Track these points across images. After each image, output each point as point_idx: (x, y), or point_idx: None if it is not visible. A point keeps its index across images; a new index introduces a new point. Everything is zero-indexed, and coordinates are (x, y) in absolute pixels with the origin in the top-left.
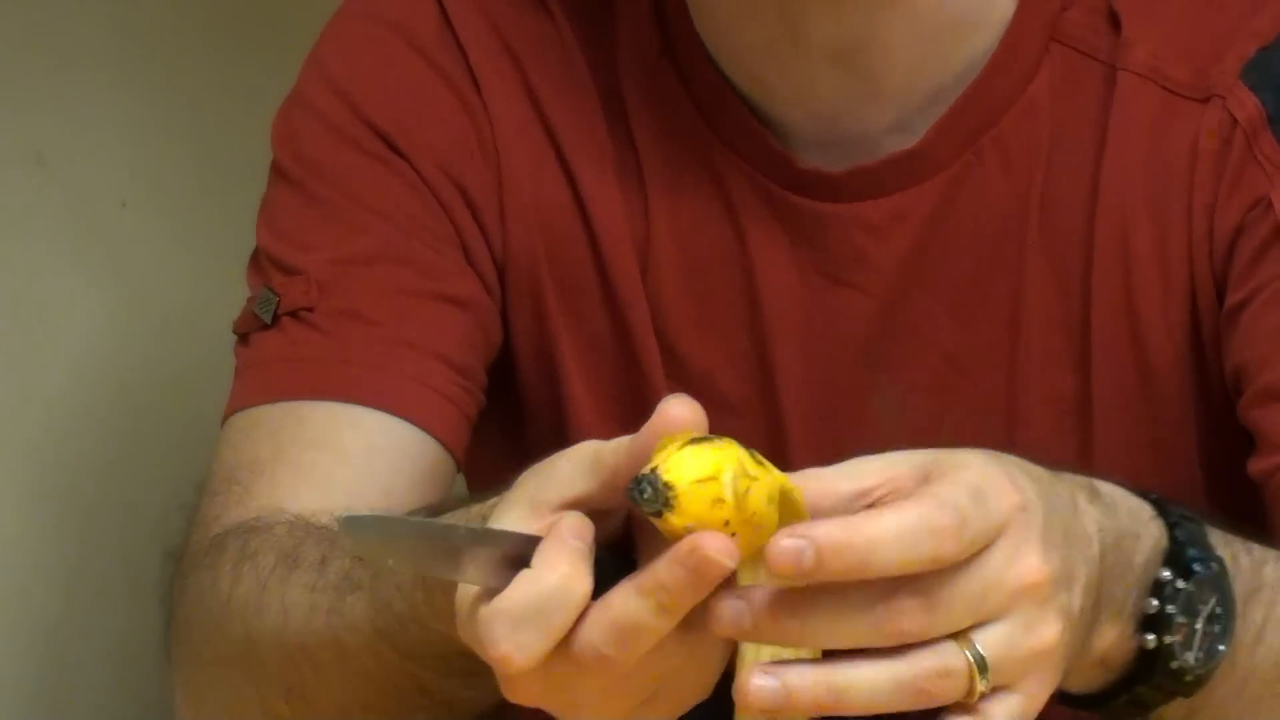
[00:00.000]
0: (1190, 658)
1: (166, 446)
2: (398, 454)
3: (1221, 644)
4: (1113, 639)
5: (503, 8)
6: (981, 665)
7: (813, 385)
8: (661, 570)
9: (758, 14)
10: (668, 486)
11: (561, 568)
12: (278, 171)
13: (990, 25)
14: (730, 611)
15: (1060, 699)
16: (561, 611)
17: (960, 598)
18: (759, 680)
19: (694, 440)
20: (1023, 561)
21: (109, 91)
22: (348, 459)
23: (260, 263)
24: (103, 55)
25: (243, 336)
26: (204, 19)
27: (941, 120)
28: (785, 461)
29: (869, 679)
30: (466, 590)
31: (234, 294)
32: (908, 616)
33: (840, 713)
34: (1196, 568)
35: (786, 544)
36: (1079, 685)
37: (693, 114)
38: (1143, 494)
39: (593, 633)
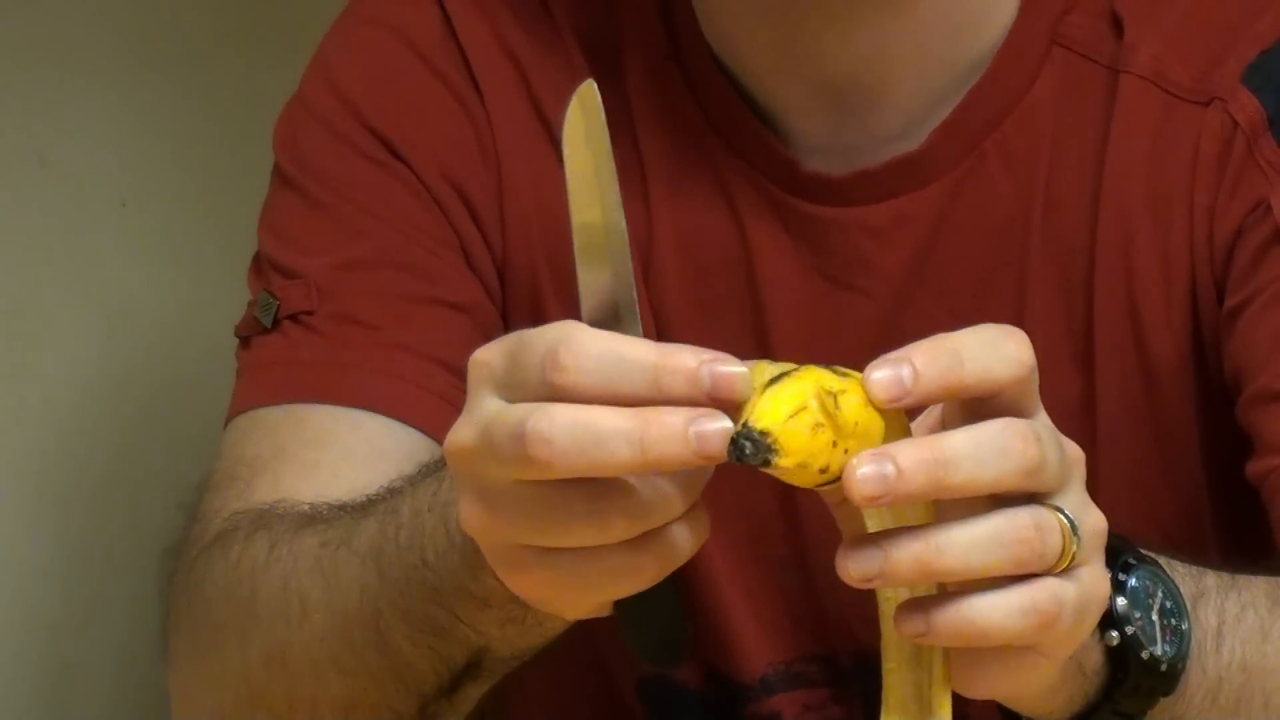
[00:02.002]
0: (1157, 649)
1: (166, 447)
2: (401, 456)
3: (1184, 627)
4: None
5: (505, 14)
6: (1074, 526)
7: None
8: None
9: (767, 29)
10: (764, 434)
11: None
12: (279, 175)
13: (993, 29)
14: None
15: None
16: (636, 374)
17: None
18: (858, 555)
19: (770, 381)
20: (1069, 442)
21: (109, 92)
22: (353, 457)
23: (261, 266)
24: (103, 56)
25: (244, 340)
26: (205, 20)
27: (944, 124)
28: None
29: (970, 535)
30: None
31: (233, 295)
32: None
33: (940, 573)
34: (1132, 561)
35: (865, 470)
36: (1064, 703)
37: (698, 118)
38: None
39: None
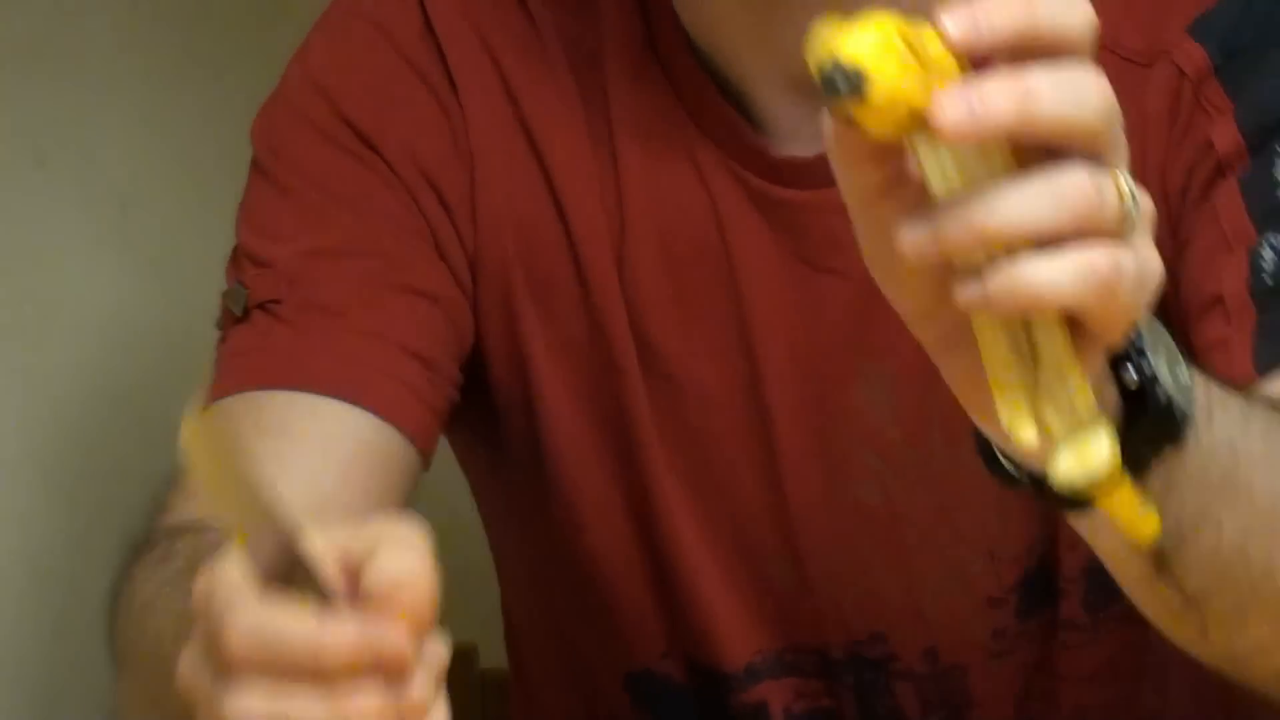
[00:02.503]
0: (1171, 389)
1: (168, 447)
2: (355, 441)
3: (1187, 381)
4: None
5: (484, 10)
6: (1132, 193)
7: (798, 375)
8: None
9: (743, 12)
10: (855, 66)
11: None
12: (256, 166)
13: None
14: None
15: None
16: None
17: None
18: (909, 225)
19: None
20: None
21: (109, 92)
22: (304, 445)
23: (236, 257)
24: (103, 57)
25: (221, 334)
26: (205, 20)
27: None
28: (773, 453)
29: (1024, 191)
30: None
31: None
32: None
33: (993, 232)
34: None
35: (954, 100)
36: None
37: (674, 105)
38: None
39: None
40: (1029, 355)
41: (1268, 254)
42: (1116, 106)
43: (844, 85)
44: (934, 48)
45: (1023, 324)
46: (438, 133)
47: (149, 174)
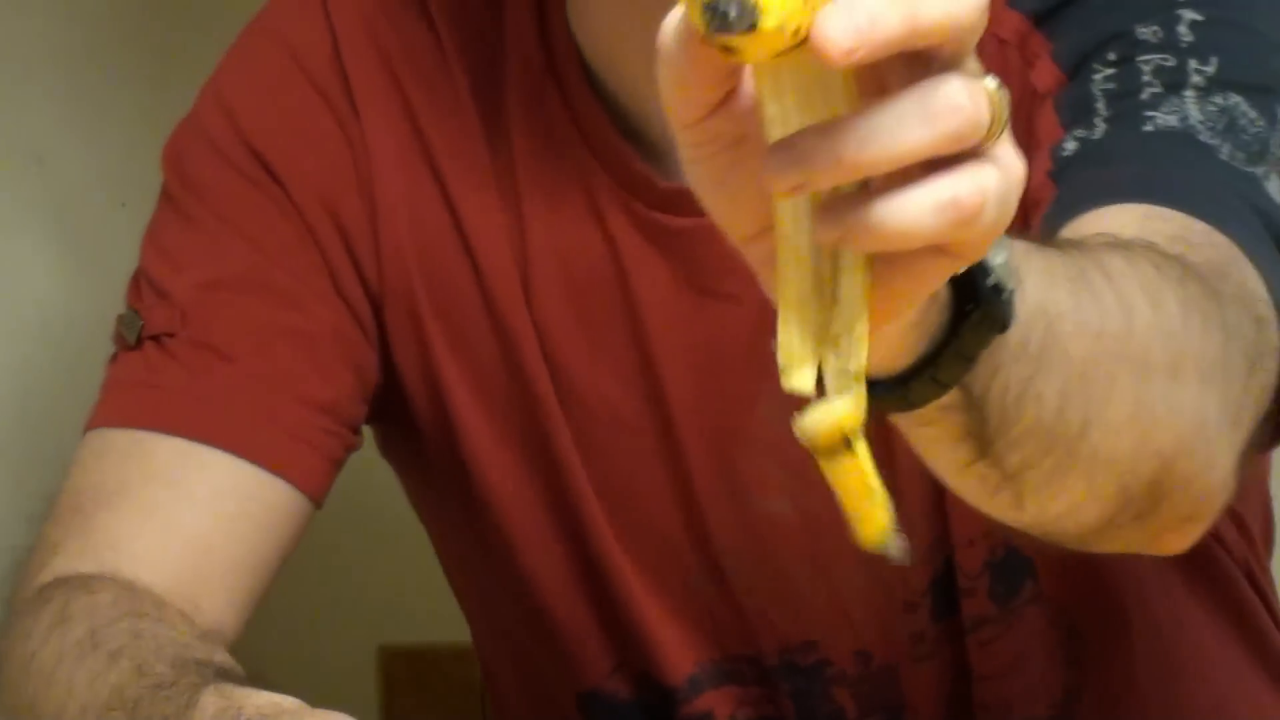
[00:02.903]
0: (998, 276)
1: None
2: (245, 498)
3: (1001, 259)
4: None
5: (390, 32)
6: (1000, 96)
7: (702, 400)
8: None
9: (638, 40)
10: None
11: None
12: (164, 189)
13: None
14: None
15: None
16: None
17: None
18: (773, 159)
19: None
20: None
21: (108, 91)
22: (192, 500)
23: (138, 279)
24: (103, 57)
25: (114, 352)
26: (204, 21)
27: None
28: (685, 473)
29: (896, 111)
30: None
31: None
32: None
33: (866, 163)
34: None
35: (837, 20)
36: (913, 343)
37: (572, 133)
38: None
39: None
40: (829, 291)
41: (1069, 144)
42: (979, 4)
43: (736, 15)
44: None
45: (830, 254)
46: (341, 163)
47: (149, 174)
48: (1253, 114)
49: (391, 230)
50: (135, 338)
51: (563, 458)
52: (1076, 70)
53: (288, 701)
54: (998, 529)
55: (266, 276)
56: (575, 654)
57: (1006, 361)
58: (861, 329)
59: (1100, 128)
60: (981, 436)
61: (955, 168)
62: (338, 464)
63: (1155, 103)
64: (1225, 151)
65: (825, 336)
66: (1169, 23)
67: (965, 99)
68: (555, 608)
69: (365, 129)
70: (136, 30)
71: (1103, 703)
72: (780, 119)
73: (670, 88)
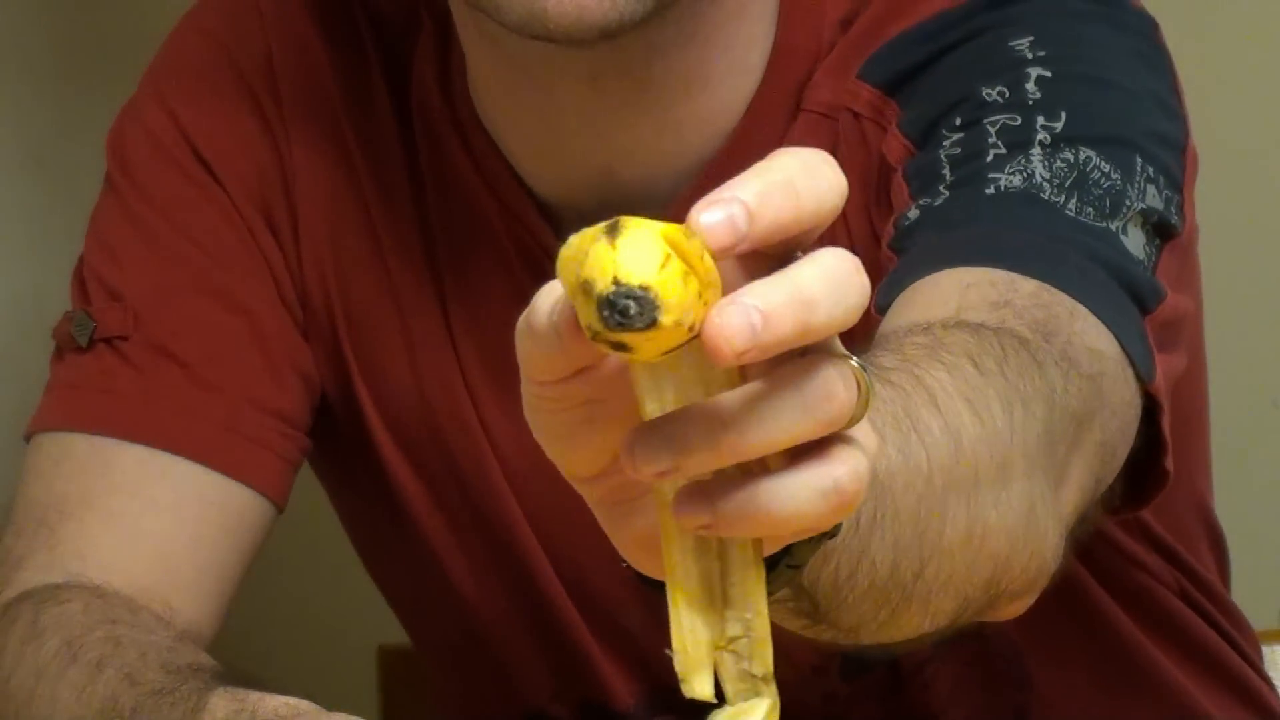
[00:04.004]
0: None
1: None
2: (207, 504)
3: None
4: None
5: (323, 49)
6: (868, 378)
7: None
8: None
9: (527, 124)
10: (645, 290)
11: None
12: (108, 181)
13: (736, 102)
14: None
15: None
16: None
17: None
18: (646, 444)
19: (605, 232)
20: None
21: (108, 92)
22: (156, 508)
23: (82, 275)
24: (103, 57)
25: (58, 349)
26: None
27: (688, 191)
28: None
29: (774, 401)
30: None
31: None
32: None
33: (744, 452)
34: None
35: (730, 321)
36: None
37: (480, 186)
38: None
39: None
40: (718, 585)
41: (912, 213)
42: (864, 286)
43: (637, 313)
44: (694, 250)
45: (717, 545)
46: (269, 166)
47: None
48: (1106, 167)
49: (311, 240)
50: (88, 339)
51: (493, 487)
52: (926, 138)
53: (303, 704)
54: None
55: (215, 280)
56: (517, 677)
57: (836, 547)
58: (762, 629)
59: (943, 195)
60: (814, 615)
61: (825, 452)
62: (295, 467)
63: (999, 164)
64: (1072, 207)
65: (720, 636)
66: (1016, 81)
67: (840, 387)
68: (493, 635)
69: (291, 138)
70: (139, 31)
71: None
72: (655, 394)
73: (528, 354)
